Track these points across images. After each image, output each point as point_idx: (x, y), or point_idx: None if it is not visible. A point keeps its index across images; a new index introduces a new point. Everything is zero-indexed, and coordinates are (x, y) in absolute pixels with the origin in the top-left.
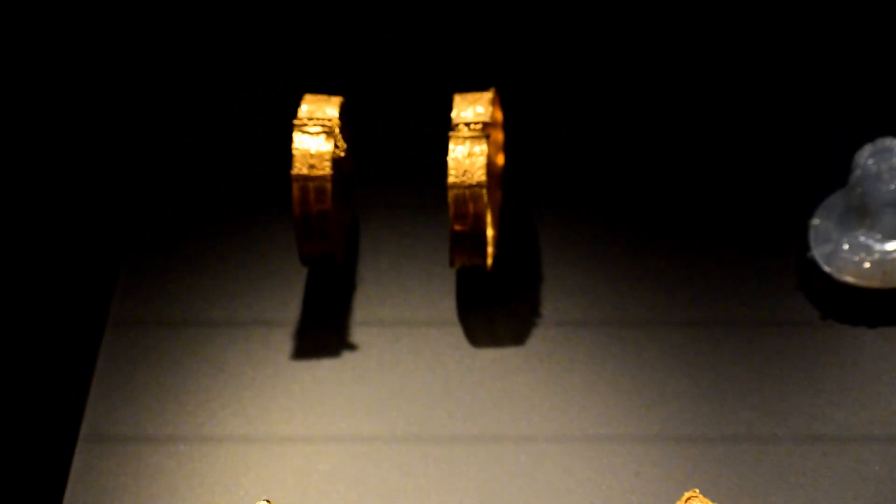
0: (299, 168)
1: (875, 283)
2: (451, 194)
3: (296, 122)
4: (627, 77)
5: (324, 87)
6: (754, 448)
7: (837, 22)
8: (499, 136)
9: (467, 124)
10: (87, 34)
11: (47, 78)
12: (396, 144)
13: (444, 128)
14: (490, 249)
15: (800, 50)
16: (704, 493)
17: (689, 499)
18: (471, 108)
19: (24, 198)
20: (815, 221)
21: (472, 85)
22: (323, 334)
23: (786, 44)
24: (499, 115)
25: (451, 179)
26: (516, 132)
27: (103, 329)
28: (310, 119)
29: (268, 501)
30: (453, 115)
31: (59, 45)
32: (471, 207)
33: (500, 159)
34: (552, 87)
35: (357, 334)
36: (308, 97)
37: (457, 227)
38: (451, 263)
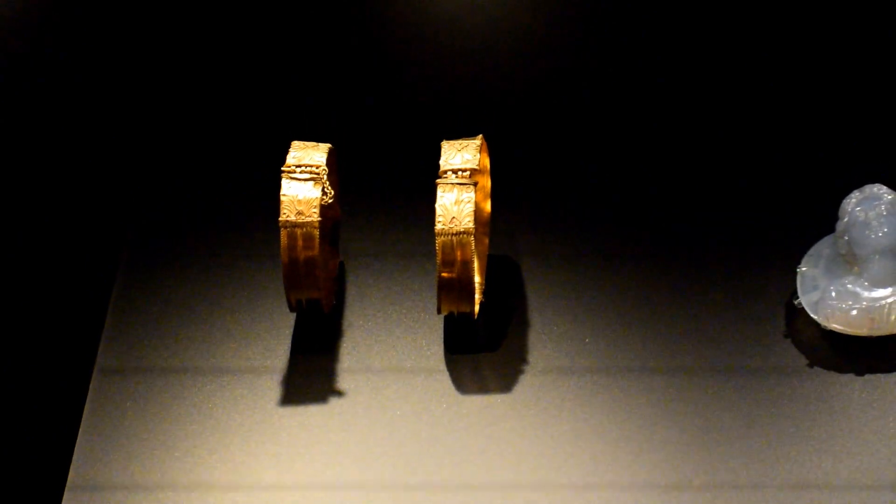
0: (287, 215)
1: (863, 331)
2: (438, 241)
3: (284, 168)
4: (613, 124)
5: (312, 135)
6: (742, 496)
7: (825, 69)
8: (486, 182)
9: (455, 171)
10: (64, 86)
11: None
12: (384, 191)
13: (432, 175)
14: (477, 296)
15: (787, 97)
16: None
17: None
18: (459, 155)
19: (11, 241)
20: (803, 268)
21: (461, 132)
22: (310, 381)
23: (772, 90)
24: (486, 162)
25: (438, 226)
26: (504, 179)
27: (90, 376)
28: (298, 166)
29: None
30: (441, 161)
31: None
32: (458, 254)
33: (488, 206)
34: (539, 134)
35: (344, 381)
36: (296, 144)
37: (444, 274)
38: (439, 310)
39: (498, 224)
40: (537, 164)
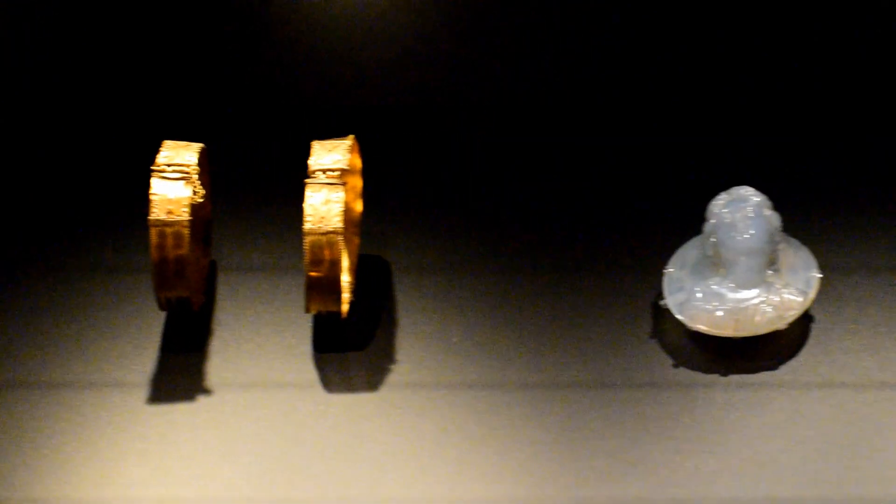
0: (157, 213)
1: (727, 332)
2: (307, 240)
3: (154, 167)
4: (484, 125)
5: (183, 134)
6: (601, 494)
7: (695, 70)
8: (357, 183)
9: (325, 171)
10: None
11: None
12: (256, 190)
13: (303, 174)
14: (347, 296)
15: (655, 97)
16: None
17: None
18: (329, 156)
19: None
20: (670, 270)
21: (333, 132)
22: (179, 379)
23: (640, 90)
24: (358, 163)
25: (307, 226)
26: (376, 179)
27: None
28: (169, 165)
29: None
30: (311, 161)
31: None
32: (327, 254)
33: (359, 206)
34: (412, 135)
35: (213, 379)
36: (167, 143)
37: (312, 274)
38: (307, 309)
39: (369, 224)
40: (409, 165)
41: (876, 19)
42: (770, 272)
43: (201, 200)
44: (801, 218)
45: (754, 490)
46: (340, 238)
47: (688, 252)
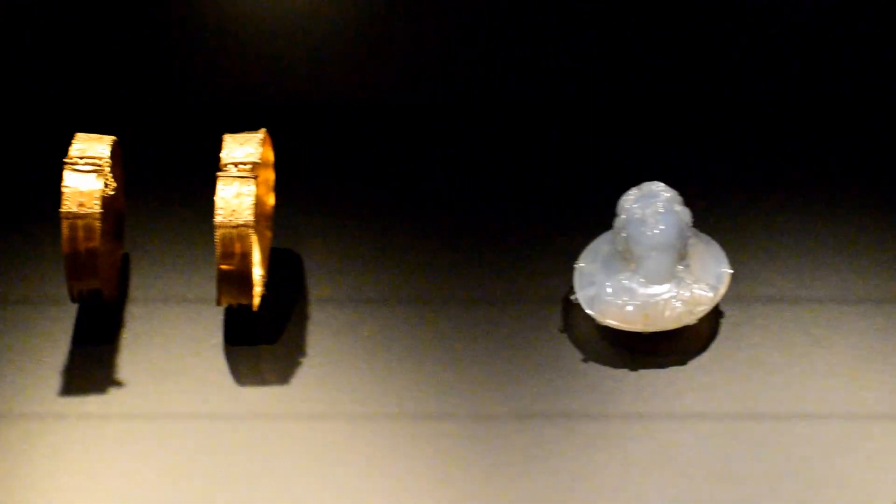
0: (69, 206)
1: (637, 327)
2: (217, 234)
3: (66, 160)
4: (395, 121)
5: (96, 127)
6: (507, 484)
7: (605, 67)
8: (270, 176)
9: (236, 164)
10: None
11: None
12: (169, 183)
13: (215, 168)
14: (259, 289)
15: (568, 93)
16: None
17: None
18: (241, 149)
19: None
20: (581, 264)
21: (246, 125)
22: (91, 371)
23: (552, 86)
24: (270, 156)
25: (217, 219)
26: (288, 173)
27: None
28: (81, 158)
29: None
30: (223, 155)
31: None
32: (238, 247)
33: (271, 200)
34: (325, 129)
35: (124, 371)
36: (80, 136)
37: (223, 267)
38: (218, 302)
39: (281, 218)
40: (322, 159)
41: (776, 12)
42: (680, 267)
43: (113, 193)
44: (711, 213)
45: (663, 484)
46: (251, 231)
47: (599, 247)
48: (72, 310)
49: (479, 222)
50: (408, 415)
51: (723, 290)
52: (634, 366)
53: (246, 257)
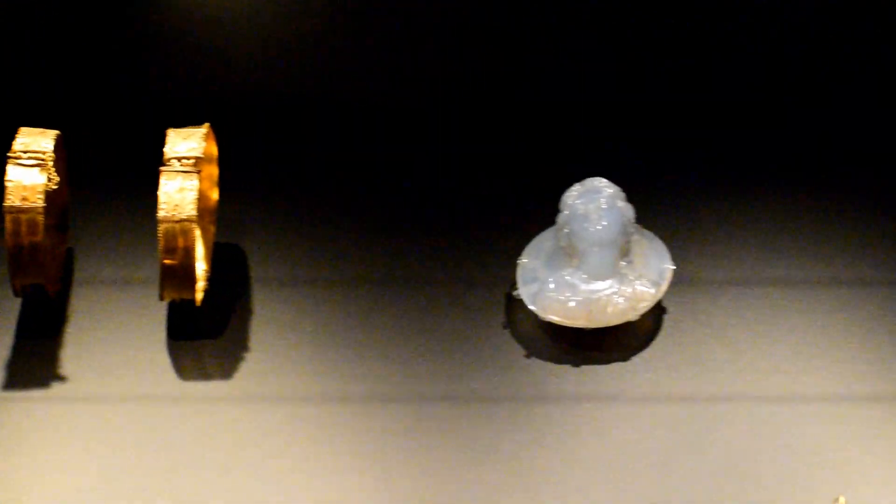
0: (12, 200)
1: (580, 323)
2: (160, 228)
3: (10, 154)
4: (340, 116)
5: (40, 122)
6: (449, 485)
7: (551, 62)
8: (214, 171)
9: (180, 159)
10: None
11: None
12: (113, 178)
13: (159, 162)
14: (202, 284)
15: (509, 90)
16: None
17: None
18: (184, 143)
19: None
20: (524, 260)
21: (191, 120)
22: (34, 366)
23: (497, 82)
24: (214, 151)
25: (160, 213)
26: (233, 168)
27: None
28: (25, 152)
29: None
30: (166, 149)
31: None
32: (181, 242)
33: (215, 194)
34: (269, 123)
35: (68, 366)
36: (23, 130)
37: (166, 261)
38: (161, 297)
39: (225, 212)
40: (265, 154)
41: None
42: (623, 263)
43: (56, 187)
44: (654, 209)
45: (605, 479)
46: (195, 226)
47: (542, 243)
48: (15, 304)
49: (422, 217)
50: (349, 411)
51: (665, 286)
52: (577, 361)
53: (189, 252)
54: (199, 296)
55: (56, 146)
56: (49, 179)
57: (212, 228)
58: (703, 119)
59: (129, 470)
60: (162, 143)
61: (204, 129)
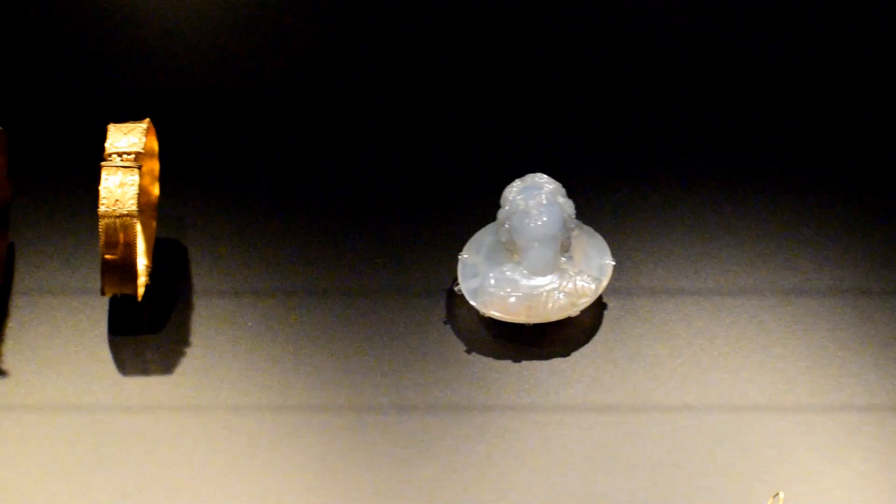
0: None
1: (520, 318)
2: (101, 223)
3: None
4: (281, 110)
5: None
6: (387, 478)
7: (493, 58)
8: (154, 166)
9: (120, 154)
10: None
11: None
12: (53, 172)
13: (100, 157)
14: (143, 279)
15: (449, 84)
16: None
17: None
18: (125, 138)
19: None
20: (464, 255)
21: (132, 115)
22: None
23: (440, 77)
24: (154, 146)
25: (101, 209)
26: (174, 163)
27: None
28: None
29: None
30: (107, 144)
31: None
32: (121, 237)
33: (156, 190)
34: (210, 119)
35: (8, 362)
36: None
37: (107, 257)
38: (102, 292)
39: (166, 208)
40: (207, 150)
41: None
42: (564, 259)
43: None
44: (594, 205)
45: (546, 475)
46: (135, 221)
47: (483, 238)
48: None
49: (362, 213)
50: (290, 406)
51: (605, 281)
52: (517, 357)
53: (130, 247)
54: (141, 291)
55: None
56: None
57: (153, 224)
58: (645, 115)
59: (69, 465)
60: (103, 138)
61: (144, 125)
